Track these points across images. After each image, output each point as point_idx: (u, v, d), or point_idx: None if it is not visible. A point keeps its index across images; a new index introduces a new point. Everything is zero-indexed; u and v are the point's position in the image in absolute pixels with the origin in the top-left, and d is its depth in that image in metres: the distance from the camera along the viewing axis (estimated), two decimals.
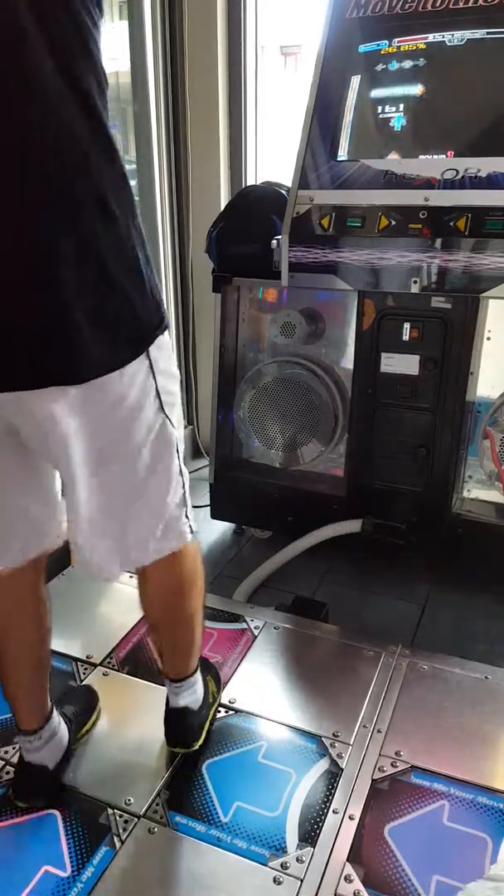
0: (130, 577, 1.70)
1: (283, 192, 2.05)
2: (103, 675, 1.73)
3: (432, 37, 1.79)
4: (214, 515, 2.41)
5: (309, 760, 1.48)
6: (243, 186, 2.58)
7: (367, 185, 1.83)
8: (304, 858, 1.28)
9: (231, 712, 1.61)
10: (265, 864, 1.27)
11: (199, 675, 1.46)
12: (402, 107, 1.84)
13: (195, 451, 2.95)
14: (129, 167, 2.56)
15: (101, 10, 0.91)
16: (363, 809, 1.37)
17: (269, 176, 2.33)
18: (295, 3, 2.71)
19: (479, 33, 1.74)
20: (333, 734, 1.54)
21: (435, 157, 1.79)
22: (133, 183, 2.56)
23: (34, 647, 1.33)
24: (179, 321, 2.85)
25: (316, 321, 2.10)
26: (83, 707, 1.56)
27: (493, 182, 1.69)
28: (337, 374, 2.14)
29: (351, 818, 1.36)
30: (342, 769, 1.46)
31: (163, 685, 1.47)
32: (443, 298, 1.86)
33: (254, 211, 2.10)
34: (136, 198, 2.55)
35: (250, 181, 2.70)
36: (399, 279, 1.83)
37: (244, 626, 1.89)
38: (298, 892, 1.23)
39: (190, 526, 1.21)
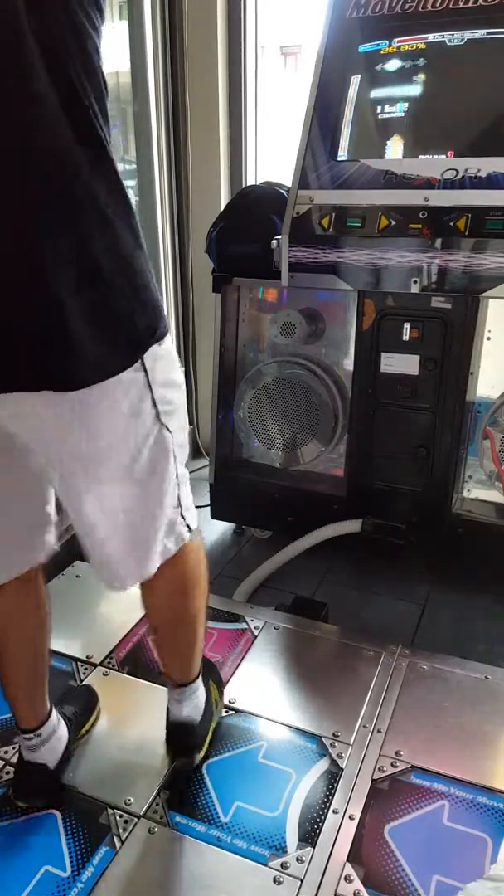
0: None
1: (283, 192, 2.05)
2: (103, 675, 1.73)
3: (432, 37, 1.79)
4: (214, 515, 2.41)
5: (309, 760, 1.48)
6: (243, 186, 2.58)
7: (367, 185, 1.83)
8: (304, 858, 1.28)
9: (231, 712, 1.61)
10: (265, 864, 1.27)
11: (200, 682, 1.45)
12: (402, 107, 1.84)
13: (195, 451, 2.94)
14: (130, 167, 2.57)
15: (102, 14, 0.91)
16: (363, 809, 1.37)
17: (269, 176, 2.32)
18: (295, 3, 2.71)
19: (479, 33, 1.74)
20: (333, 734, 1.54)
21: (435, 157, 1.79)
22: (133, 183, 2.56)
23: (34, 647, 1.33)
24: (179, 321, 2.86)
25: (316, 321, 2.10)
26: (83, 707, 1.56)
27: (493, 182, 1.69)
28: (337, 374, 2.13)
29: (351, 818, 1.36)
30: (342, 769, 1.46)
31: (163, 685, 1.47)
32: (443, 298, 1.86)
33: (254, 211, 2.10)
34: (136, 198, 2.56)
35: (250, 181, 2.70)
36: (399, 279, 1.83)
37: (244, 626, 1.89)
38: (298, 892, 1.23)
39: (188, 525, 1.20)
